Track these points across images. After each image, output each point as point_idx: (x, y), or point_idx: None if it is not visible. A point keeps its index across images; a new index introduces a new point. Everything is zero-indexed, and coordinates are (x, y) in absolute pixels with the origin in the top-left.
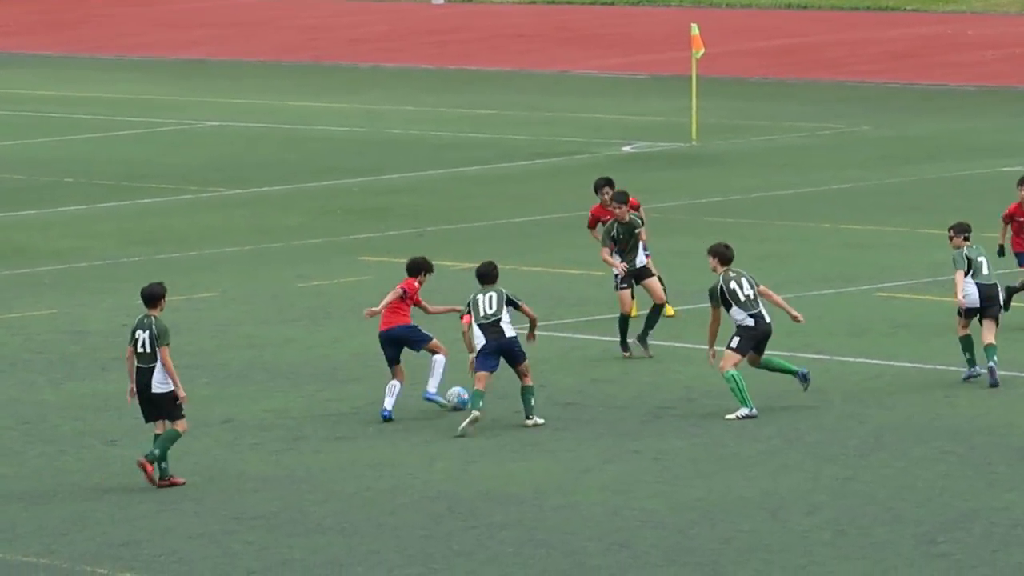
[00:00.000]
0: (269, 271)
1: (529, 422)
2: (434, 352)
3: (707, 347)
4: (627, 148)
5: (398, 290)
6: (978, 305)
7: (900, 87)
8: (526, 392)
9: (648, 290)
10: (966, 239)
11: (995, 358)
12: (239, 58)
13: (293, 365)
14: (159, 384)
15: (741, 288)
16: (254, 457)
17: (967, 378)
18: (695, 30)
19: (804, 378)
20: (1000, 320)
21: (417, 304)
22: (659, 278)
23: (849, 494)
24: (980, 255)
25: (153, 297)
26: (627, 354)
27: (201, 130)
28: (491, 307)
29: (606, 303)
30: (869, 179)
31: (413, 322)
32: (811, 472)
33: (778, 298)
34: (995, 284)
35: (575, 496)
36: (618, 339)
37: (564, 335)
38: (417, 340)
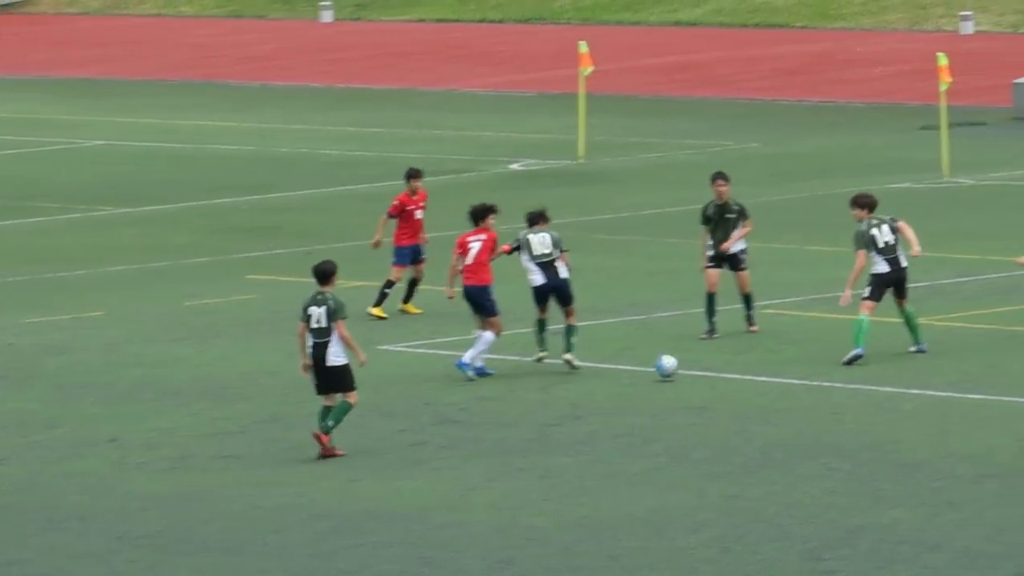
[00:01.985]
0: (157, 290)
1: (567, 356)
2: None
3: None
4: (515, 166)
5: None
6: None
7: (789, 104)
8: (569, 331)
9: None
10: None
11: None
12: (129, 77)
13: (181, 384)
14: (335, 357)
15: (881, 234)
16: (141, 476)
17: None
18: (583, 48)
19: (920, 351)
20: None
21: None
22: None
23: (735, 511)
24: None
25: (326, 274)
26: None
27: (90, 149)
28: (546, 247)
29: None
30: (758, 196)
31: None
32: (697, 489)
33: (910, 233)
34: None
35: (461, 514)
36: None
37: (451, 352)
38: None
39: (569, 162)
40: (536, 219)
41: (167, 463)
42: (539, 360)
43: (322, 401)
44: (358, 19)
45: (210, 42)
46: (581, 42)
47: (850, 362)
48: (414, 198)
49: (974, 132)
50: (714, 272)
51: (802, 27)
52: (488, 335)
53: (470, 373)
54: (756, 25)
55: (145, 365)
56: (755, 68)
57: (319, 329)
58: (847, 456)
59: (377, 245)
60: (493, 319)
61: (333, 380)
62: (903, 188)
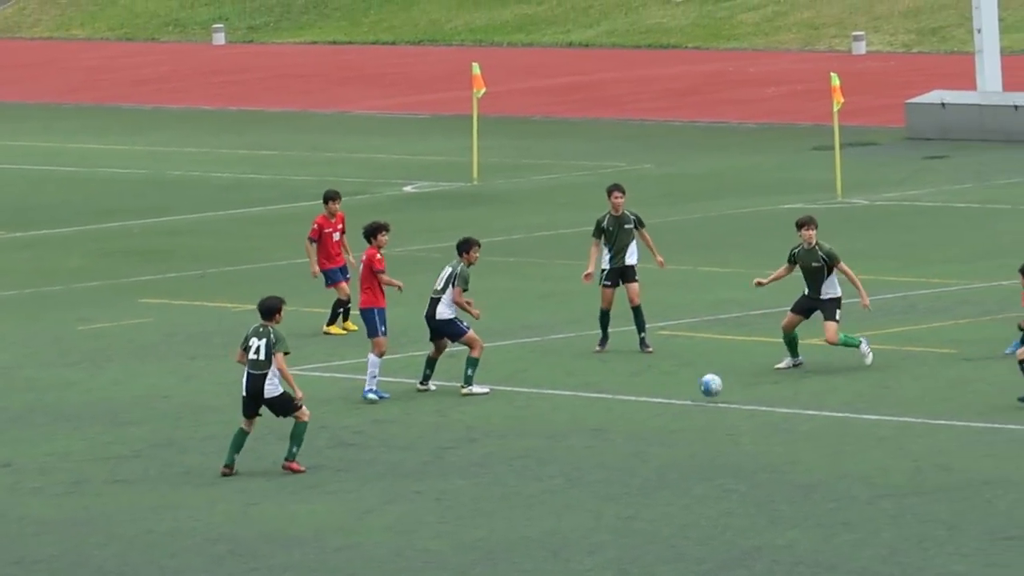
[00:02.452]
0: (50, 314)
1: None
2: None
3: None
4: (408, 188)
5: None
6: None
7: (682, 124)
8: (469, 363)
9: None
10: None
11: None
12: (21, 100)
13: (74, 408)
14: (271, 388)
15: None
16: (35, 501)
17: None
18: (476, 69)
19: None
20: None
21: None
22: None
23: (632, 533)
24: None
25: (270, 310)
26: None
27: None
28: (439, 282)
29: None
30: (651, 217)
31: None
32: (593, 511)
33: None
34: None
35: (357, 537)
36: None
37: (346, 376)
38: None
39: (463, 184)
40: (458, 249)
41: (62, 488)
42: (420, 390)
43: (241, 424)
44: (251, 41)
45: (103, 65)
46: (474, 64)
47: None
48: (332, 220)
49: (867, 152)
50: (610, 291)
51: (695, 48)
52: (371, 357)
53: (373, 396)
54: (649, 46)
55: (38, 389)
56: (648, 89)
57: (256, 361)
58: (743, 477)
59: (316, 275)
60: (375, 340)
61: (274, 410)
62: (796, 208)
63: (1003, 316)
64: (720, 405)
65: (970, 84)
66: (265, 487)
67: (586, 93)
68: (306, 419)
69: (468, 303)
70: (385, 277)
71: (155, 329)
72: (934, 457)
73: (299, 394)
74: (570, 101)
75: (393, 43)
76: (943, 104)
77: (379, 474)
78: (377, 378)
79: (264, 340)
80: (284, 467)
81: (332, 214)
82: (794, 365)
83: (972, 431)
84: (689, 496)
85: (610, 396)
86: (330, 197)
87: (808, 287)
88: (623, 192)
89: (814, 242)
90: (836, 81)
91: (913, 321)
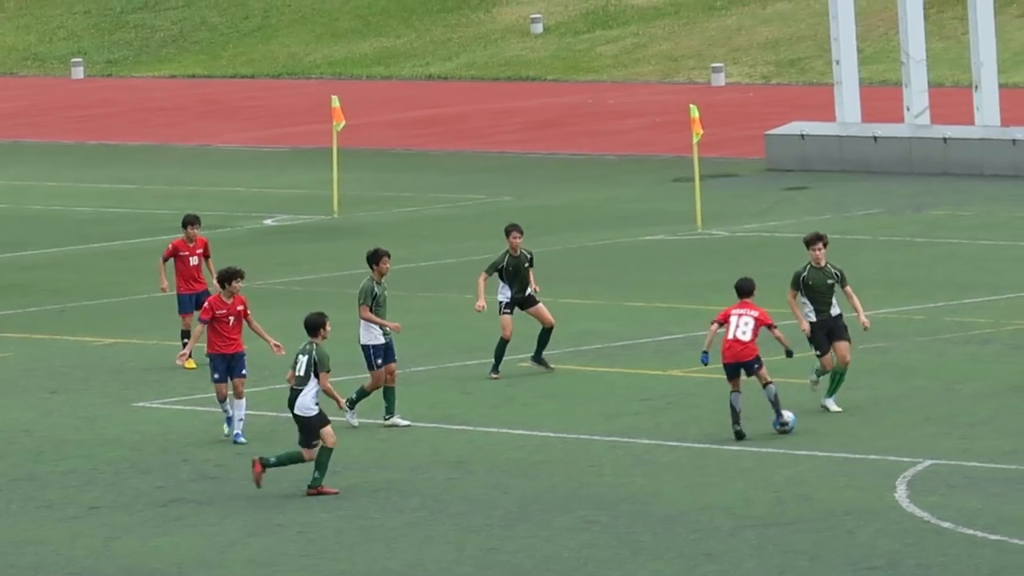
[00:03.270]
0: None
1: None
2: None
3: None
4: (269, 221)
5: None
6: None
7: (541, 157)
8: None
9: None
10: None
11: None
12: None
13: None
14: (303, 408)
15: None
16: None
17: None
18: (335, 102)
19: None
20: None
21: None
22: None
23: (494, 565)
24: None
25: (314, 326)
26: (495, 375)
27: None
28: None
29: (248, 376)
30: None
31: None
32: (456, 543)
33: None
34: None
35: (219, 570)
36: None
37: (206, 409)
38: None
39: (323, 217)
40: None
41: None
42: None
43: (303, 454)
44: (109, 75)
45: None
46: (333, 97)
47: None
48: (190, 245)
49: (727, 183)
50: (510, 318)
51: (554, 80)
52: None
53: (241, 440)
54: (508, 78)
55: None
56: (507, 121)
57: (298, 377)
58: (605, 509)
59: (164, 289)
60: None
61: (300, 428)
62: (657, 240)
63: (863, 346)
64: (581, 436)
65: (829, 115)
66: (127, 521)
67: (446, 126)
68: (330, 445)
69: (382, 321)
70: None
71: (15, 364)
72: (796, 488)
73: (341, 400)
74: (430, 134)
75: (253, 76)
76: (802, 135)
77: (241, 507)
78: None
79: (307, 357)
80: (308, 493)
81: (191, 239)
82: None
83: (833, 461)
84: (551, 528)
85: (472, 428)
86: (188, 222)
87: (819, 310)
88: (521, 232)
89: (823, 262)
90: (695, 113)
91: (775, 352)
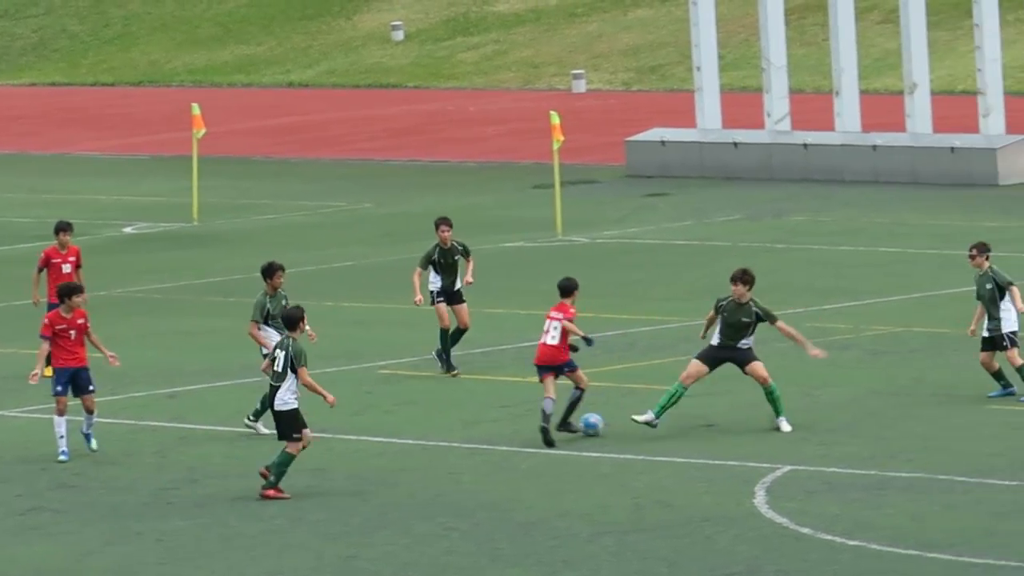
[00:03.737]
0: None
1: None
2: None
3: None
4: (128, 229)
5: None
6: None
7: (402, 164)
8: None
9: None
10: (987, 259)
11: None
12: None
13: None
14: (281, 403)
15: None
16: None
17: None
18: (196, 110)
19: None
20: None
21: None
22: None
23: (353, 572)
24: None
25: (292, 320)
26: (454, 372)
27: None
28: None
29: (107, 385)
30: (371, 256)
31: None
32: (315, 551)
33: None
34: None
35: None
36: None
37: (66, 417)
38: None
39: (184, 224)
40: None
41: None
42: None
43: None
44: None
45: None
46: (194, 104)
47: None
48: (63, 252)
49: (587, 190)
50: (444, 306)
51: (415, 87)
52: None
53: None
54: (369, 86)
55: None
56: (368, 128)
57: (276, 373)
58: (464, 516)
59: (36, 303)
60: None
61: (278, 424)
62: (517, 247)
63: None
64: (441, 444)
65: (690, 121)
66: None
67: (306, 133)
68: (295, 452)
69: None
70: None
71: None
72: (655, 494)
73: (331, 399)
74: (290, 141)
75: (113, 84)
76: (663, 142)
77: (100, 516)
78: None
79: (284, 352)
80: (262, 496)
81: (63, 245)
82: (652, 424)
83: (692, 467)
84: (410, 535)
85: (331, 436)
86: (60, 228)
87: (724, 337)
88: (450, 225)
89: (746, 299)
90: (556, 119)
91: (634, 358)
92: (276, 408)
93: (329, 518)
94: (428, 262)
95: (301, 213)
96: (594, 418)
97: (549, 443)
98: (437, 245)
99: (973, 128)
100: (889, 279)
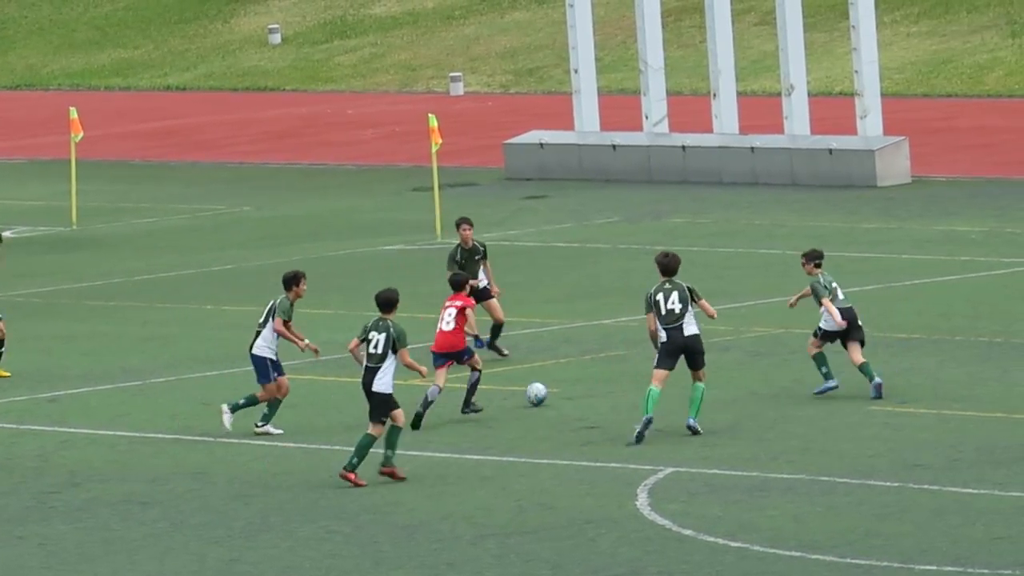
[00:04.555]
0: None
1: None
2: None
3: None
4: (7, 233)
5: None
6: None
7: (280, 167)
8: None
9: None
10: (817, 266)
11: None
12: None
13: None
14: (381, 384)
15: (666, 301)
16: None
17: (822, 392)
18: (73, 114)
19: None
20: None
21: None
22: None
23: (235, 575)
24: (832, 281)
25: (389, 303)
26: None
27: None
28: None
29: None
30: (251, 260)
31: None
32: (197, 554)
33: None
34: (852, 307)
35: None
36: None
37: None
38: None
39: (62, 229)
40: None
41: None
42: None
43: (368, 430)
44: None
45: None
46: (71, 108)
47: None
48: None
49: (466, 192)
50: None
51: (293, 90)
52: None
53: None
54: (246, 89)
55: None
56: (246, 132)
57: (373, 355)
58: (347, 519)
59: None
60: None
61: (375, 405)
62: (396, 250)
63: (604, 354)
64: (322, 447)
65: (568, 124)
66: None
67: (184, 136)
68: (400, 424)
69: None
70: None
71: None
72: (537, 496)
73: (424, 370)
74: (168, 144)
75: None
76: (541, 144)
77: None
78: None
79: (384, 334)
80: (381, 472)
81: None
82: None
83: (573, 469)
84: (293, 538)
85: (212, 439)
86: None
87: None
88: (471, 225)
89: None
90: (434, 122)
91: (515, 361)
92: (376, 390)
93: (211, 521)
94: (453, 263)
95: (180, 216)
96: (537, 389)
97: (416, 427)
98: (459, 245)
99: (851, 130)
100: (768, 281)
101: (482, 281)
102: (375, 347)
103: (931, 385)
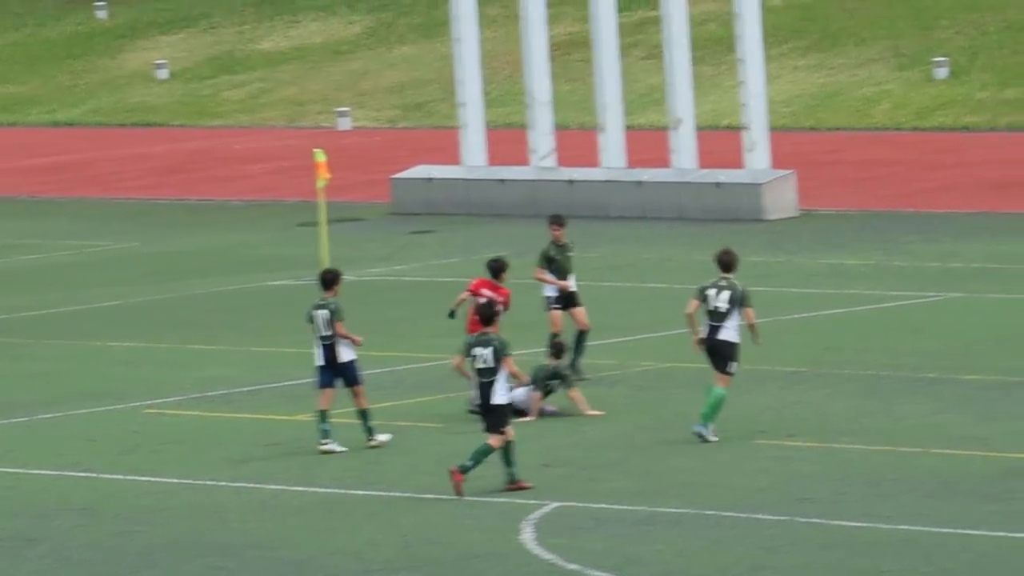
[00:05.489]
0: None
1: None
2: None
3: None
4: None
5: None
6: None
7: (168, 203)
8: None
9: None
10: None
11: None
12: None
13: None
14: (499, 396)
15: (716, 297)
16: None
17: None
18: None
19: (700, 436)
20: None
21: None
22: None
23: None
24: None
25: (488, 318)
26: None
27: None
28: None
29: None
30: (137, 296)
31: None
32: None
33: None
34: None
35: None
36: None
37: None
38: None
39: None
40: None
41: None
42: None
43: (488, 441)
44: None
45: None
46: None
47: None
48: None
49: (353, 228)
50: (559, 313)
51: (180, 125)
52: None
53: None
54: (134, 124)
55: None
56: (133, 167)
57: (484, 369)
58: (232, 555)
59: None
60: None
61: (491, 416)
62: (282, 285)
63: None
64: (207, 483)
65: (456, 158)
66: None
67: (72, 172)
68: (497, 446)
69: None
70: None
71: None
72: (423, 531)
73: (526, 378)
74: (56, 180)
75: None
76: (429, 179)
77: None
78: None
79: (490, 349)
80: (509, 487)
81: None
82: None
83: (460, 504)
84: (178, 574)
85: (97, 475)
86: None
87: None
88: (560, 224)
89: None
90: (321, 157)
91: (401, 396)
92: (495, 402)
93: (96, 558)
94: (546, 260)
95: (66, 252)
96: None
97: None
98: (552, 242)
99: (738, 163)
100: (655, 315)
101: (574, 283)
102: (484, 362)
103: (818, 418)
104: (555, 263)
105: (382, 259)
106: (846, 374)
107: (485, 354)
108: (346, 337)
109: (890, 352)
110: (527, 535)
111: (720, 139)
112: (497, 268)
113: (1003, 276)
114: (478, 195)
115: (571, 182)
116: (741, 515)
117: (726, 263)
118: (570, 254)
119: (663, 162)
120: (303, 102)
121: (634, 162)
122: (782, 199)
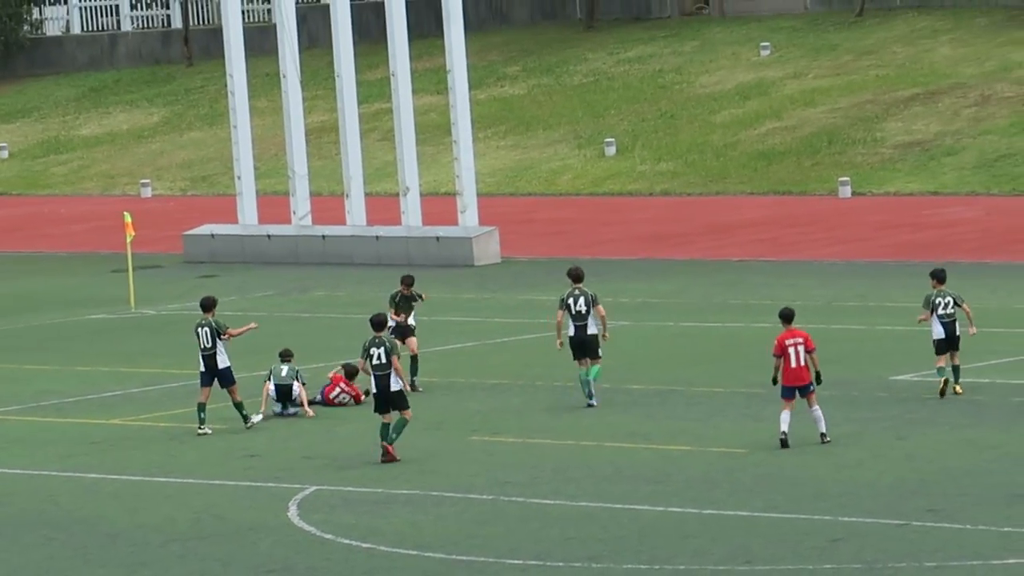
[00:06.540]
0: None
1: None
2: None
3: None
4: None
5: None
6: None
7: (6, 255)
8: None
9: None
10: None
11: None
12: None
13: None
14: (395, 384)
15: (575, 304)
16: None
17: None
18: None
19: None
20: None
21: None
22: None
23: None
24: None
25: (380, 324)
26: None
27: None
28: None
29: None
30: None
31: None
32: None
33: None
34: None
35: None
36: None
37: None
38: None
39: None
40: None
41: None
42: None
43: (381, 419)
44: None
45: None
46: None
47: None
48: None
49: (153, 273)
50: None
51: (18, 194)
52: None
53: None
54: None
55: None
56: None
57: (380, 364)
58: (62, 529)
59: None
60: None
61: (394, 402)
62: (99, 318)
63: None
64: (43, 473)
65: (234, 219)
66: None
67: None
68: (409, 418)
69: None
70: None
71: None
72: (211, 509)
73: (406, 382)
74: None
75: None
76: (213, 235)
77: None
78: None
79: (383, 348)
80: (384, 449)
81: None
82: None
83: (240, 488)
84: (19, 544)
85: None
86: None
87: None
88: (408, 284)
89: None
90: (128, 218)
91: (182, 406)
92: (393, 390)
93: None
94: (392, 303)
95: None
96: None
97: None
98: (399, 292)
99: (453, 221)
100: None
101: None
102: (379, 359)
103: (517, 420)
104: (398, 306)
105: (176, 297)
106: (539, 385)
107: (379, 353)
108: (239, 334)
109: (573, 368)
110: (292, 512)
111: (439, 203)
112: (352, 372)
113: (659, 309)
114: (251, 247)
115: (324, 237)
116: (458, 495)
117: (576, 275)
118: (414, 302)
119: (395, 221)
120: (114, 175)
121: (373, 221)
122: (488, 249)
